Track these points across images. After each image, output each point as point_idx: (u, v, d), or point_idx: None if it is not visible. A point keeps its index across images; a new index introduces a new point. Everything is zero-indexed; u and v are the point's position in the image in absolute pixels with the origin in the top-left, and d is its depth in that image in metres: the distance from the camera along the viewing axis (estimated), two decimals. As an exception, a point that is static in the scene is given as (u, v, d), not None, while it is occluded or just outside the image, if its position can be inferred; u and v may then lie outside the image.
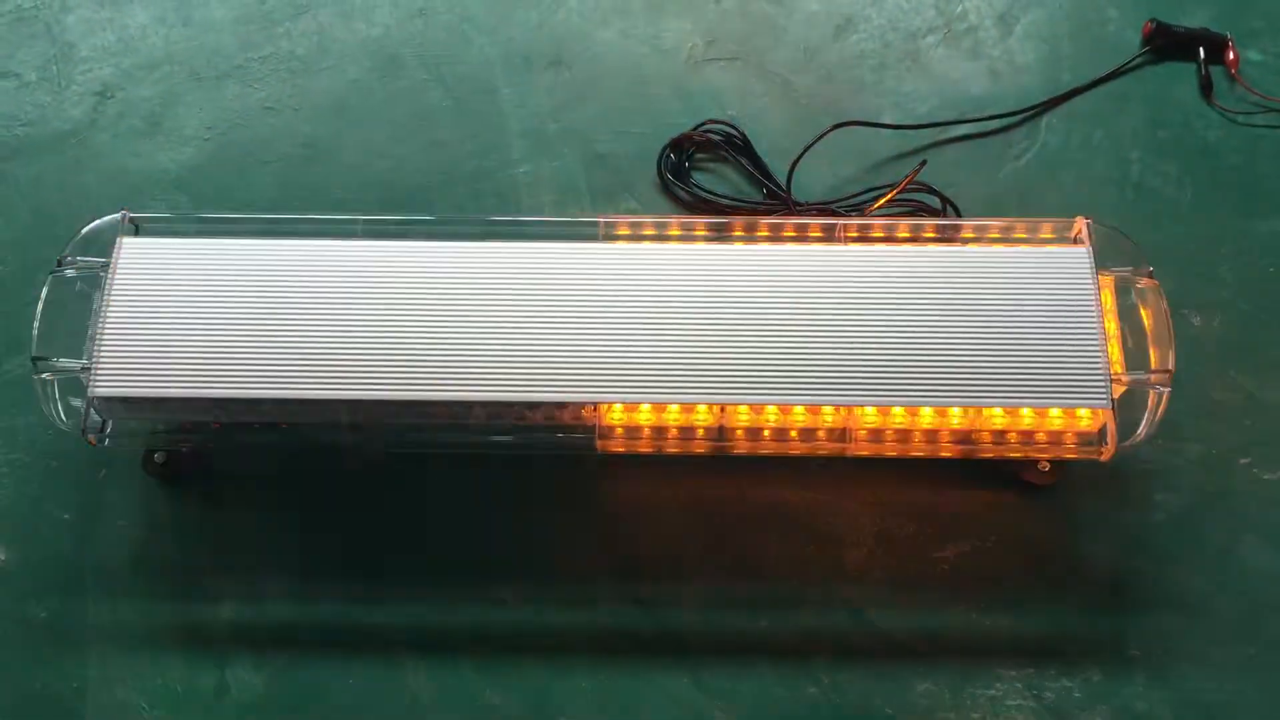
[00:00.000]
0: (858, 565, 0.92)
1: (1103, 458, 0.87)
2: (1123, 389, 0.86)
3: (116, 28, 1.17)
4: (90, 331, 0.88)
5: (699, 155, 1.10)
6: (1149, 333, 0.88)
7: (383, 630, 0.90)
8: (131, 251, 0.90)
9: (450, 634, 0.90)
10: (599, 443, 0.88)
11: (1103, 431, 0.86)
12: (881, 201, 1.03)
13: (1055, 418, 0.87)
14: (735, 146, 1.09)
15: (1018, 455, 0.90)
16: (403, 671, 0.89)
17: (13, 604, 0.91)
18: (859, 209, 1.04)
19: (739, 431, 0.88)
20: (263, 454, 0.96)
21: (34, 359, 0.87)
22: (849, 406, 0.86)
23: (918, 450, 0.89)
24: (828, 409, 0.87)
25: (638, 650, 0.90)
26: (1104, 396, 0.85)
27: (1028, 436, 0.88)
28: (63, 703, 0.88)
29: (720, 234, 0.94)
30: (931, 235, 0.94)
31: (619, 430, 0.89)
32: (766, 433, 0.88)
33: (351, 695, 0.88)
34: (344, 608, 0.91)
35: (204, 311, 0.88)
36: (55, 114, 1.12)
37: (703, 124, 1.10)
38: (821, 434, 0.88)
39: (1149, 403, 0.86)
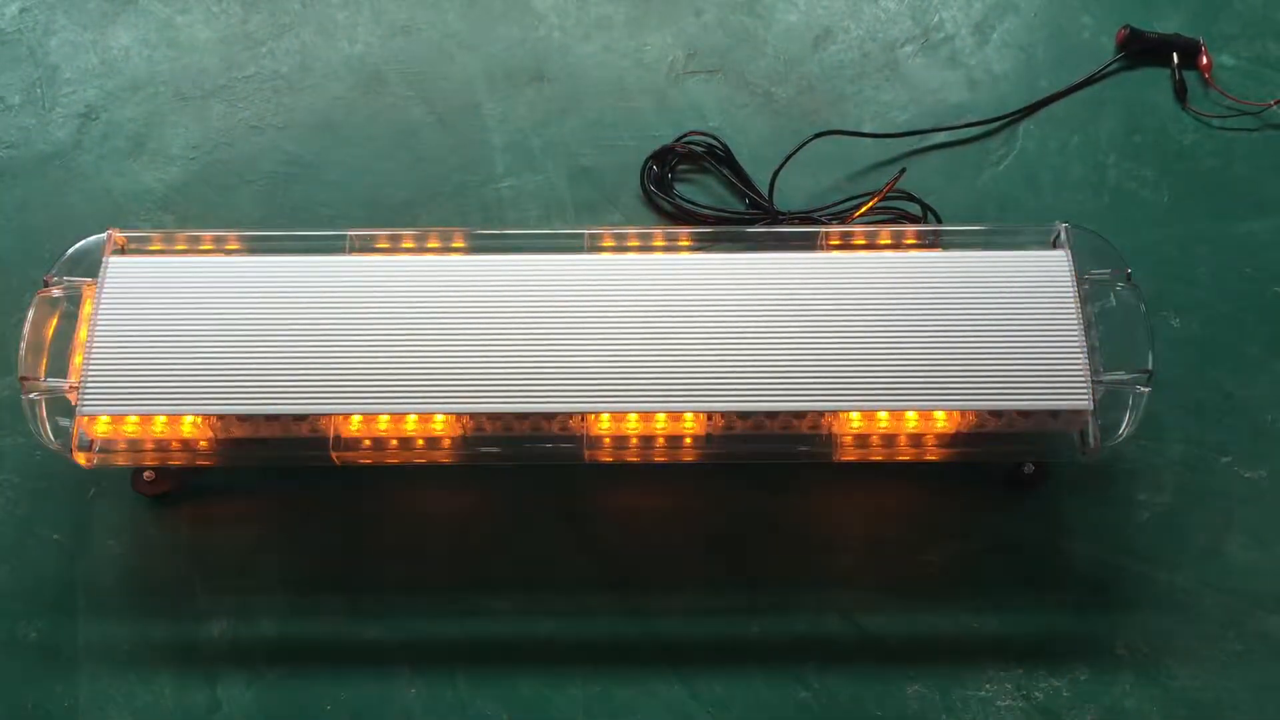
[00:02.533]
0: (846, 570, 0.93)
1: (1086, 458, 0.88)
2: (1104, 390, 0.87)
3: (100, 50, 1.17)
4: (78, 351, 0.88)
5: (681, 167, 1.11)
6: (1129, 334, 0.89)
7: (374, 644, 0.90)
8: (118, 270, 0.90)
9: (441, 646, 0.90)
10: (587, 452, 0.88)
11: (1085, 432, 0.87)
12: (863, 209, 1.03)
13: (1038, 419, 0.88)
14: (717, 157, 1.10)
15: (1002, 457, 0.91)
16: (395, 685, 0.89)
17: (3, 625, 0.91)
18: (841, 217, 1.05)
19: (726, 439, 0.89)
20: (252, 470, 0.96)
21: (21, 379, 0.87)
22: (834, 412, 0.87)
23: (903, 454, 0.89)
24: (813, 415, 0.88)
25: (630, 658, 0.90)
26: (1086, 397, 0.86)
27: (1011, 438, 0.89)
28: (54, 723, 0.88)
29: (704, 244, 0.95)
30: (913, 242, 0.95)
31: (606, 440, 0.89)
32: (753, 439, 0.89)
33: (344, 710, 0.88)
34: (335, 622, 0.91)
35: (191, 329, 0.88)
36: (40, 136, 1.13)
37: (685, 136, 1.11)
38: (807, 439, 0.89)
39: (1130, 403, 0.87)
